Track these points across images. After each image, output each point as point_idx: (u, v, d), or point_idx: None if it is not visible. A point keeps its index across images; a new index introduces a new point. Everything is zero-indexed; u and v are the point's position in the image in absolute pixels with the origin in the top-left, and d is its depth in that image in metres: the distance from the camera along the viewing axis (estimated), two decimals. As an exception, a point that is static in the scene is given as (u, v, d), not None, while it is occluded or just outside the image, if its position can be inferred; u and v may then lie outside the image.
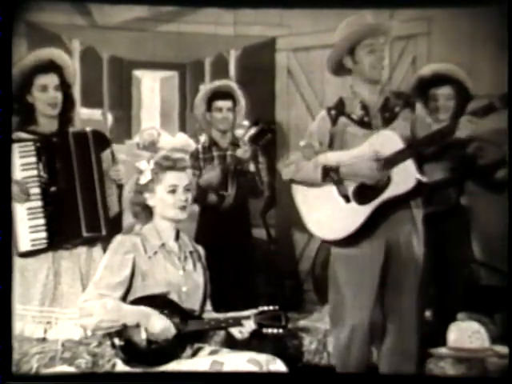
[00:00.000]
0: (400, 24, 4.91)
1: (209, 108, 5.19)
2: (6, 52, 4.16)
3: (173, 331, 3.50)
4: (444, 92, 4.63)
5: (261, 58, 5.68)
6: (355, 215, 3.93)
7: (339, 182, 3.96)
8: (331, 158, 4.00)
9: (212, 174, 5.08)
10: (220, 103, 5.17)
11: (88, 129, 4.46)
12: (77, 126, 5.20)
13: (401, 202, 3.95)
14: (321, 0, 4.88)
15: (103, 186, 4.35)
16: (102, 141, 4.45)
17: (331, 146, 4.05)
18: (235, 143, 5.21)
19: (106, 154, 4.40)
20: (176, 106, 5.86)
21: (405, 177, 3.89)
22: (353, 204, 3.95)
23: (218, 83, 5.28)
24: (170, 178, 3.63)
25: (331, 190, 3.98)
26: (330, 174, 3.95)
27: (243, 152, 5.06)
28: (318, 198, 4.01)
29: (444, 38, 5.23)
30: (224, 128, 5.19)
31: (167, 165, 3.63)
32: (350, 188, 3.96)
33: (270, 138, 5.25)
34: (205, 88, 5.33)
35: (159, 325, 3.47)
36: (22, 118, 4.30)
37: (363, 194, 3.93)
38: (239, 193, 5.12)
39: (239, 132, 5.46)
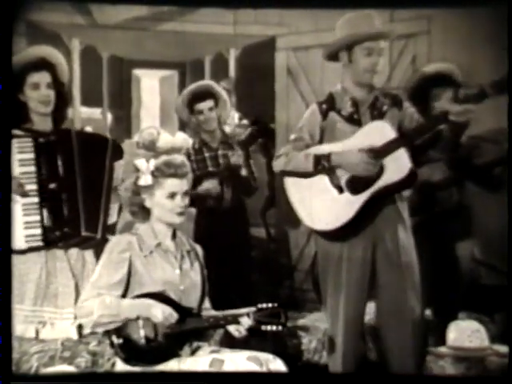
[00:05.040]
0: (400, 23, 4.92)
1: (191, 111, 5.16)
2: (6, 51, 4.15)
3: (175, 316, 3.49)
4: (447, 95, 4.61)
5: (261, 58, 5.67)
6: (348, 206, 3.91)
7: (331, 171, 3.94)
8: (323, 149, 3.99)
9: (210, 185, 5.06)
10: (200, 105, 5.13)
11: (109, 136, 4.63)
12: (76, 124, 5.19)
13: (394, 192, 3.94)
14: (320, 0, 4.88)
15: (109, 193, 4.34)
16: (119, 152, 4.47)
17: (321, 141, 4.03)
18: (225, 141, 5.21)
19: (118, 164, 4.41)
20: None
21: (398, 166, 3.86)
22: (346, 194, 3.94)
23: (193, 86, 5.22)
24: (171, 184, 3.62)
25: (324, 181, 3.97)
26: (322, 162, 3.94)
27: (236, 157, 5.06)
28: (310, 190, 3.99)
29: (444, 37, 5.23)
30: (210, 128, 5.17)
31: (169, 172, 3.62)
32: (343, 178, 3.94)
33: (262, 142, 5.28)
34: (182, 93, 5.26)
35: (161, 313, 3.47)
36: (16, 116, 4.28)
37: (356, 183, 3.91)
38: (234, 193, 5.11)
39: (237, 130, 5.46)
